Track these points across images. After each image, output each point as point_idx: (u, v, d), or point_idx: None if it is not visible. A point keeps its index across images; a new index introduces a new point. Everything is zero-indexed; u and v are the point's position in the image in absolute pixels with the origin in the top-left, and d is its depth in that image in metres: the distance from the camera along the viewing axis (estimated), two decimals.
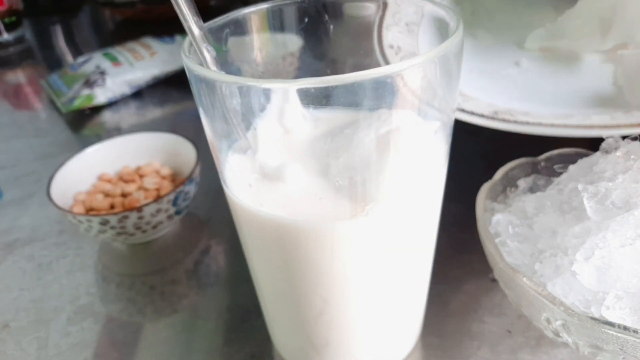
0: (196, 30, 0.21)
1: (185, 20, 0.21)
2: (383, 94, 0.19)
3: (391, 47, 0.29)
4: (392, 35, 0.27)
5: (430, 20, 0.24)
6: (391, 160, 0.21)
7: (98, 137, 0.57)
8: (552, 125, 0.32)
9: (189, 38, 0.22)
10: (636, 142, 0.30)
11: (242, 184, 0.23)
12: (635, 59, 0.35)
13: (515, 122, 0.33)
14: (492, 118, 0.34)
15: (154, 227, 0.40)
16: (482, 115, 0.34)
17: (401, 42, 0.28)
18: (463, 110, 0.35)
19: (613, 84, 0.37)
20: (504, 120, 0.33)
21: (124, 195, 0.43)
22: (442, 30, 0.23)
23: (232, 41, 0.25)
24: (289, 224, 0.21)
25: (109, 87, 0.67)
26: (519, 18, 0.51)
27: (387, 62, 0.30)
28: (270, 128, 0.24)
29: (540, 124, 0.32)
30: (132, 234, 0.39)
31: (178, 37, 0.77)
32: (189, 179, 0.40)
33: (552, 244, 0.28)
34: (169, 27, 0.76)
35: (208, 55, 0.22)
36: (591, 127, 0.31)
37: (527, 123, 0.33)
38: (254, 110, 0.22)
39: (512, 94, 0.39)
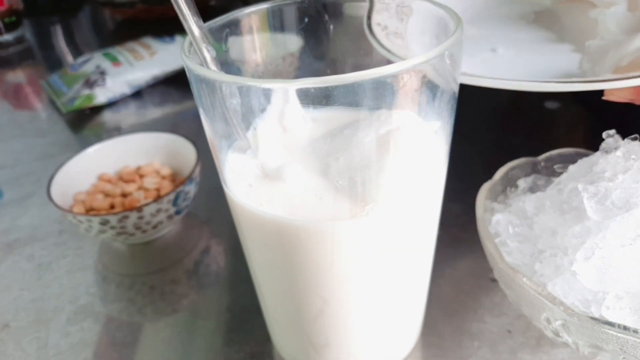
0: (196, 30, 0.21)
1: (185, 20, 0.21)
2: (383, 94, 0.19)
3: (378, 24, 0.30)
4: (381, 17, 0.28)
5: (423, 14, 0.24)
6: (391, 160, 0.21)
7: (98, 137, 0.57)
8: (521, 80, 0.34)
9: (189, 38, 0.22)
10: (636, 142, 0.30)
11: (242, 184, 0.23)
12: (599, 48, 0.39)
13: (487, 77, 0.34)
14: (465, 74, 0.35)
15: (154, 227, 0.40)
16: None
17: (388, 23, 0.28)
18: None
19: (579, 68, 0.41)
20: (478, 77, 0.34)
21: (124, 195, 0.43)
22: (434, 24, 0.23)
23: (232, 41, 0.25)
24: (289, 224, 0.21)
25: (109, 87, 0.67)
26: (501, 16, 0.53)
27: (374, 37, 0.31)
28: (270, 128, 0.24)
29: (511, 80, 0.34)
30: (132, 234, 0.39)
31: (178, 37, 0.77)
32: (189, 179, 0.40)
33: (552, 244, 0.28)
34: (169, 27, 0.76)
35: (208, 55, 0.22)
36: (557, 82, 0.33)
37: (499, 79, 0.34)
38: (254, 110, 0.22)
39: (485, 72, 0.41)
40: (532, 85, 0.33)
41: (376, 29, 0.30)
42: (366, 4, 0.27)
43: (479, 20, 0.52)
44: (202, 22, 0.22)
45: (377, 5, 0.27)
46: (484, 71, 0.41)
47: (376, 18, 0.29)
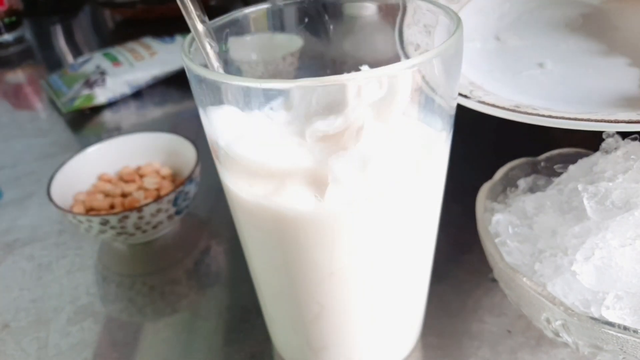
0: (199, 26, 0.21)
1: (189, 15, 0.21)
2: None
3: (411, 43, 0.29)
4: (411, 32, 0.27)
5: (444, 25, 0.24)
6: (391, 160, 0.21)
7: (98, 137, 0.57)
8: (576, 120, 0.31)
9: (190, 37, 0.22)
10: (636, 142, 0.30)
11: (241, 181, 0.23)
12: None
13: (538, 115, 0.32)
14: (514, 111, 0.33)
15: (154, 227, 0.40)
16: (503, 108, 0.33)
17: (419, 40, 0.28)
18: (484, 103, 0.34)
19: (639, 86, 0.37)
20: (526, 113, 0.32)
21: (124, 195, 0.43)
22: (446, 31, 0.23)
23: (232, 41, 0.25)
24: (288, 223, 0.21)
25: (109, 87, 0.67)
26: (545, 20, 0.50)
27: (407, 57, 0.30)
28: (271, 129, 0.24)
29: (563, 118, 0.31)
30: (132, 234, 0.39)
31: (178, 37, 0.77)
32: (189, 179, 0.40)
33: (552, 244, 0.28)
34: (169, 27, 0.76)
35: (211, 50, 0.22)
36: (616, 121, 0.30)
37: (550, 116, 0.31)
38: (253, 110, 0.22)
39: (533, 93, 0.38)
40: (596, 125, 0.30)
41: (409, 50, 0.29)
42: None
43: (520, 26, 0.47)
44: (205, 17, 0.22)
45: (407, 20, 0.26)
46: (532, 91, 0.37)
47: (407, 34, 0.28)
